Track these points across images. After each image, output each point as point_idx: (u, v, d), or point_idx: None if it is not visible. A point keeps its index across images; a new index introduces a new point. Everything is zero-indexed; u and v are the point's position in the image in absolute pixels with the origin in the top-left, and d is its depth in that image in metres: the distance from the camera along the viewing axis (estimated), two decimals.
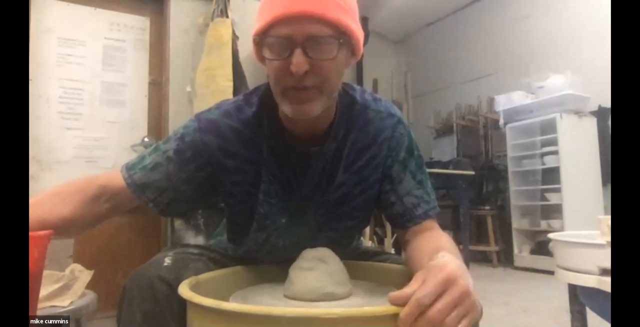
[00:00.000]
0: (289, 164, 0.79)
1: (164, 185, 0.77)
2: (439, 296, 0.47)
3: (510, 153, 3.97)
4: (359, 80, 5.29)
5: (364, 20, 5.31)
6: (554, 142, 3.58)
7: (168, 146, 0.79)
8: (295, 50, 0.64)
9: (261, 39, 0.68)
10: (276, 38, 0.65)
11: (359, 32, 0.70)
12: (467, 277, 0.51)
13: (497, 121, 4.15)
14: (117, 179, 0.77)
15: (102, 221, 0.78)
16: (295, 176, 0.79)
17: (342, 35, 0.67)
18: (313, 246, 0.74)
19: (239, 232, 0.86)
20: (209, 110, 0.82)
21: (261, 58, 0.73)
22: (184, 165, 0.77)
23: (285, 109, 0.70)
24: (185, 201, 0.80)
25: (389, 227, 2.99)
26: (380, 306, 0.51)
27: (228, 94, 2.34)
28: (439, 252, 0.59)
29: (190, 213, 2.27)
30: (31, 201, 0.69)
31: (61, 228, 0.71)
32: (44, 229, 0.65)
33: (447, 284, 0.47)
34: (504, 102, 3.97)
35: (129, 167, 0.78)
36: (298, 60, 0.64)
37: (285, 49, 0.65)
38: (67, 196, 0.73)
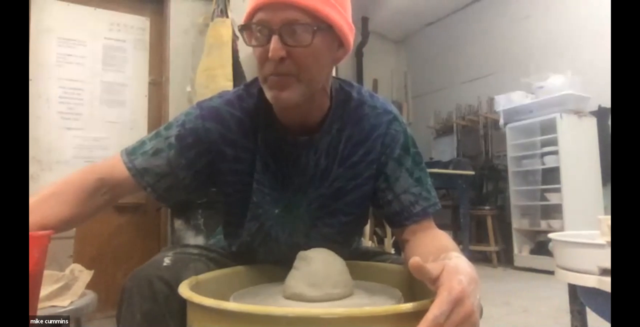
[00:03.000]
0: (281, 154, 0.79)
1: (164, 170, 0.77)
2: (449, 314, 0.48)
3: (510, 153, 3.97)
4: (359, 80, 5.29)
5: (364, 20, 5.31)
6: (554, 142, 3.58)
7: (169, 132, 0.79)
8: (273, 37, 0.66)
9: (243, 28, 0.70)
10: (255, 25, 0.68)
11: (342, 23, 0.71)
12: (475, 291, 0.51)
13: (497, 121, 4.15)
14: (117, 168, 0.77)
15: (101, 211, 0.79)
16: (286, 166, 0.80)
17: (318, 23, 0.68)
18: (307, 242, 0.74)
19: (235, 224, 0.87)
20: (210, 99, 0.83)
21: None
22: (185, 151, 0.78)
23: (267, 95, 0.72)
24: (183, 188, 0.80)
25: (389, 227, 2.99)
26: (380, 306, 0.51)
27: None
28: (448, 252, 0.60)
29: (191, 212, 2.27)
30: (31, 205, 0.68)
31: (62, 228, 0.71)
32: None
33: (457, 303, 0.48)
34: (504, 102, 3.97)
35: (130, 152, 0.78)
36: (274, 47, 0.66)
37: (264, 36, 0.67)
38: (65, 196, 0.73)
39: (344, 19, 0.71)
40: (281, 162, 0.80)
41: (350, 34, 0.74)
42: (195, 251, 0.84)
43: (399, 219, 0.81)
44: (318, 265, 0.69)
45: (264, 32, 0.67)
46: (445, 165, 4.07)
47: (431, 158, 4.89)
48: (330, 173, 0.80)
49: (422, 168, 0.83)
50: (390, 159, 0.81)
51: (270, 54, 0.66)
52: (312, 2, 0.67)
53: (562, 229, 3.36)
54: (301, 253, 0.71)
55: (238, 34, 2.70)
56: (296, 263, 0.71)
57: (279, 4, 0.65)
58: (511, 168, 3.96)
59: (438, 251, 0.63)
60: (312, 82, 0.72)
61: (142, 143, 0.80)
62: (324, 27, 0.69)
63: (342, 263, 0.71)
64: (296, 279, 0.68)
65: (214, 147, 0.78)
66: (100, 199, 0.76)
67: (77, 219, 0.74)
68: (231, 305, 0.51)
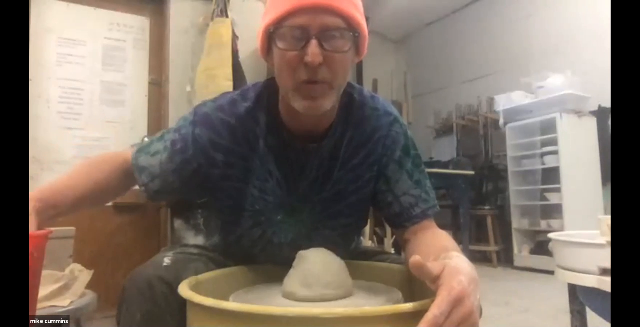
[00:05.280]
0: (287, 161, 0.79)
1: (156, 172, 0.79)
2: (449, 314, 0.48)
3: (510, 153, 3.97)
4: (359, 80, 5.28)
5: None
6: (554, 142, 3.58)
7: (169, 136, 0.81)
8: (311, 41, 0.65)
9: (275, 30, 0.68)
10: (291, 28, 0.66)
11: (366, 30, 0.72)
12: (475, 291, 0.52)
13: (497, 121, 4.15)
14: (130, 161, 0.83)
15: (126, 190, 0.85)
16: (292, 174, 0.79)
17: (354, 30, 0.68)
18: (309, 245, 0.74)
19: (231, 230, 0.86)
20: (205, 103, 0.82)
21: (265, 53, 0.74)
22: (174, 156, 0.78)
23: (297, 104, 0.70)
24: (173, 190, 0.82)
25: (389, 227, 2.99)
26: (380, 306, 0.51)
27: None
28: (448, 252, 0.60)
29: (191, 212, 2.27)
30: (71, 170, 0.78)
31: (96, 192, 0.78)
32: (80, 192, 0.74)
33: (457, 303, 0.48)
34: (504, 102, 3.97)
35: (139, 149, 0.83)
36: (314, 51, 0.64)
37: (300, 40, 0.66)
38: (101, 165, 0.81)
39: (366, 27, 0.72)
40: (286, 170, 0.79)
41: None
42: (195, 251, 0.84)
43: (399, 221, 0.81)
44: (312, 265, 0.69)
45: (299, 37, 0.66)
46: (445, 165, 4.07)
47: (431, 158, 4.88)
48: (332, 176, 0.80)
49: (422, 170, 0.83)
50: (391, 161, 0.81)
51: (310, 59, 0.64)
52: (350, 10, 0.67)
53: (562, 229, 3.35)
54: (300, 253, 0.71)
55: (238, 34, 2.70)
56: (294, 262, 0.71)
57: (319, 9, 0.65)
58: (511, 168, 3.96)
59: (438, 251, 0.63)
60: (341, 89, 0.73)
61: (150, 142, 0.83)
62: (357, 35, 0.69)
63: (340, 263, 0.71)
64: (291, 279, 0.68)
65: (204, 153, 0.77)
66: (126, 177, 0.81)
67: (109, 186, 0.80)
68: (231, 305, 0.51)
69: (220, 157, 0.78)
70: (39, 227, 0.64)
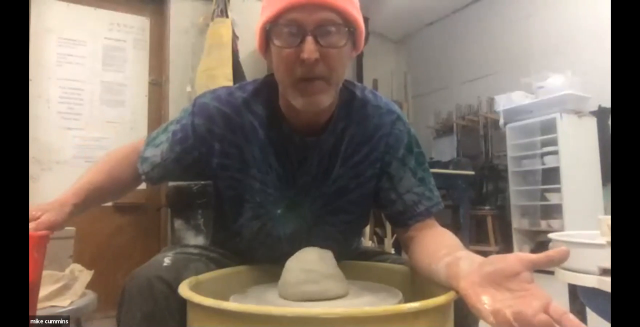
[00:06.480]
0: (287, 155, 0.79)
1: (157, 161, 0.83)
2: None
3: (510, 153, 3.97)
4: (359, 80, 5.28)
5: (364, 20, 5.29)
6: (554, 142, 3.58)
7: (171, 127, 0.84)
8: (307, 37, 0.65)
9: (272, 27, 0.68)
10: (287, 25, 0.66)
11: (362, 25, 0.72)
12: None
13: (497, 121, 4.15)
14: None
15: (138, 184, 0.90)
16: (292, 167, 0.80)
17: (349, 24, 0.69)
18: (308, 240, 0.74)
19: (229, 222, 0.87)
20: (204, 94, 0.84)
21: (264, 50, 0.74)
22: (174, 146, 0.81)
23: (296, 101, 0.70)
24: (175, 178, 0.88)
25: (389, 227, 2.98)
26: (380, 306, 0.51)
27: None
28: (457, 251, 0.62)
29: (191, 212, 2.27)
30: (93, 167, 0.84)
31: (117, 188, 0.86)
32: (101, 192, 0.81)
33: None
34: (504, 102, 3.97)
35: (147, 142, 0.87)
36: (309, 48, 0.65)
37: (296, 37, 0.66)
38: (120, 161, 0.87)
39: (362, 22, 0.72)
40: (286, 163, 0.79)
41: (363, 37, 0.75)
42: (195, 251, 0.84)
43: (403, 219, 0.81)
44: (312, 262, 0.70)
45: (295, 33, 0.66)
46: (445, 165, 4.07)
47: (431, 158, 4.88)
48: (333, 172, 0.80)
49: (425, 168, 0.83)
50: (394, 159, 0.81)
51: (305, 55, 0.65)
52: (345, 4, 0.67)
53: (562, 229, 3.35)
54: (294, 255, 0.72)
55: (238, 34, 2.70)
56: (288, 263, 0.72)
57: (314, 5, 0.65)
58: (511, 168, 3.96)
59: (447, 248, 0.64)
60: (339, 85, 0.73)
61: (156, 135, 0.86)
62: (353, 29, 0.70)
63: (332, 256, 0.72)
64: (294, 276, 0.69)
65: (203, 142, 0.79)
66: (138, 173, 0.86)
67: (126, 182, 0.87)
68: (231, 305, 0.51)
69: (218, 146, 0.79)
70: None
